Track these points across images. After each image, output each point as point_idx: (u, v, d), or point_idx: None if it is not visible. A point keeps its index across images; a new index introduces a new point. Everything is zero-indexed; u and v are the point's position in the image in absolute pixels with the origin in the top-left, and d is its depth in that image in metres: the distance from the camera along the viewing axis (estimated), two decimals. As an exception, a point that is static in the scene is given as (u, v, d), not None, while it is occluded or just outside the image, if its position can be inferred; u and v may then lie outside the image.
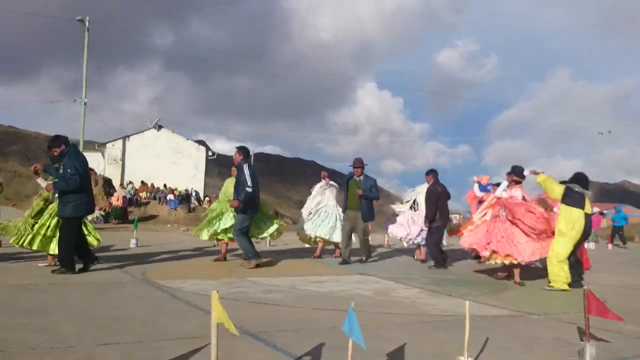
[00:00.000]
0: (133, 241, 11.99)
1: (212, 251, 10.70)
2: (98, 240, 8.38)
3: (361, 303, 5.72)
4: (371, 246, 14.50)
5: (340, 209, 10.65)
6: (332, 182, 10.90)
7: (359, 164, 10.05)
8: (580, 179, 8.06)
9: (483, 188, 10.08)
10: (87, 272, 7.42)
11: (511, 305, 6.23)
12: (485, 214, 8.60)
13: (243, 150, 9.09)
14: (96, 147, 35.93)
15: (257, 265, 8.59)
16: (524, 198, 8.29)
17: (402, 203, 12.00)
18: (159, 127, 35.63)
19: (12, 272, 7.41)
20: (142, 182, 31.26)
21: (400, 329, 4.70)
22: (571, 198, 7.79)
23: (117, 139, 34.99)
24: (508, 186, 8.37)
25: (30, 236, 7.76)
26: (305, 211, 11.06)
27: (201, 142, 41.41)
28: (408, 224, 11.17)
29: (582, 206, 7.79)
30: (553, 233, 8.02)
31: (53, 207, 7.74)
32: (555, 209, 8.69)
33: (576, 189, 7.80)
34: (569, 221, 7.72)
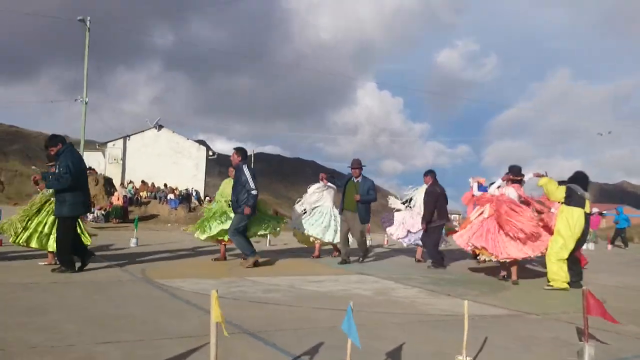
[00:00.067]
0: (133, 240, 12.01)
1: (212, 250, 10.71)
2: (88, 240, 8.38)
3: (360, 303, 5.74)
4: (370, 247, 14.55)
5: (336, 210, 10.68)
6: (329, 184, 10.90)
7: (357, 165, 10.07)
8: (580, 178, 8.08)
9: (483, 189, 10.08)
10: (86, 269, 7.45)
11: (510, 304, 6.24)
12: (482, 212, 8.66)
13: (241, 151, 9.08)
14: (97, 147, 36.03)
15: (255, 264, 8.60)
16: (521, 197, 8.33)
17: (400, 199, 12.06)
18: (160, 127, 35.72)
19: (14, 270, 7.42)
20: (143, 181, 31.32)
21: (399, 329, 4.72)
22: (572, 198, 7.81)
23: (118, 139, 35.08)
24: (504, 185, 8.45)
25: (27, 234, 7.80)
26: (299, 207, 11.05)
27: (202, 142, 41.49)
28: (404, 224, 11.26)
29: (582, 206, 7.81)
30: (550, 232, 8.05)
31: (50, 205, 7.77)
32: (553, 210, 8.71)
33: (579, 192, 7.83)
34: (570, 221, 7.73)
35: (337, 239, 10.53)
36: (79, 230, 8.04)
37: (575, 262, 8.05)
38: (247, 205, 8.62)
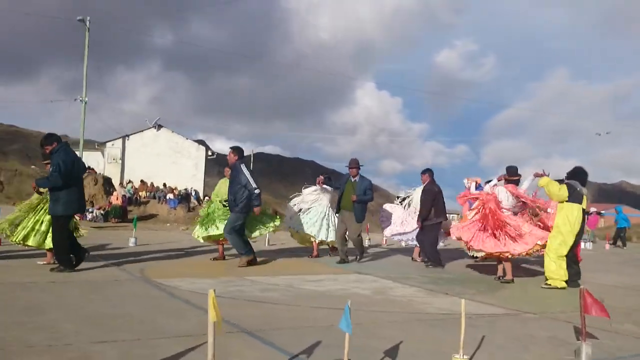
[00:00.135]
0: (132, 240, 12.01)
1: (210, 250, 10.71)
2: (84, 231, 8.40)
3: (358, 302, 5.75)
4: (369, 246, 14.56)
5: (331, 210, 10.68)
6: (325, 186, 10.88)
7: (354, 164, 10.09)
8: (579, 173, 8.09)
9: (480, 189, 10.12)
10: (85, 268, 7.45)
11: (508, 303, 6.25)
12: (478, 210, 8.72)
13: (238, 151, 9.04)
14: (96, 146, 36.00)
15: (250, 263, 8.60)
16: (513, 196, 8.37)
17: (397, 198, 12.11)
18: (159, 127, 35.70)
19: (13, 269, 7.42)
20: (142, 181, 31.30)
21: (396, 327, 4.72)
22: (571, 195, 7.82)
23: (117, 138, 35.05)
24: (499, 184, 8.55)
25: (24, 232, 7.82)
26: (294, 206, 11.02)
27: (201, 142, 41.49)
28: (402, 223, 11.29)
29: (580, 201, 7.84)
30: (546, 229, 8.09)
31: (47, 203, 7.78)
32: (549, 210, 8.73)
33: (578, 188, 7.84)
34: (570, 217, 7.75)
35: (331, 237, 10.55)
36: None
37: (574, 260, 8.05)
38: (255, 206, 8.70)
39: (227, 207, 9.14)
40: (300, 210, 10.89)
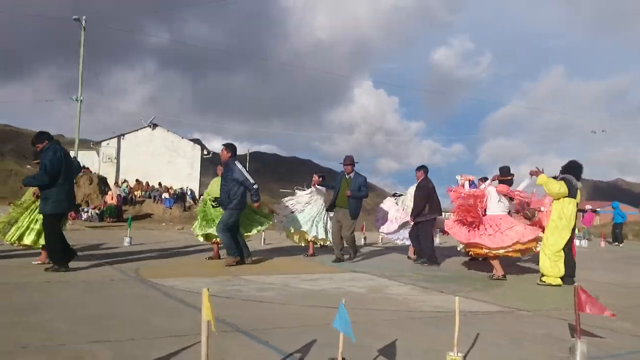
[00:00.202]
0: (127, 239, 11.98)
1: (206, 249, 10.70)
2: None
3: (353, 300, 5.75)
4: (365, 245, 14.57)
5: (324, 210, 10.68)
6: (319, 187, 10.87)
7: (349, 161, 10.09)
8: (574, 167, 8.12)
9: (474, 186, 10.20)
10: (79, 268, 7.45)
11: (502, 301, 6.27)
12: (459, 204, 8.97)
13: (230, 147, 8.98)
14: (91, 146, 35.94)
15: (238, 263, 8.60)
16: (505, 196, 8.42)
17: (393, 196, 12.17)
18: (154, 126, 35.65)
19: (9, 269, 7.41)
20: (137, 180, 31.22)
21: (391, 325, 4.72)
22: (568, 190, 7.84)
23: (112, 138, 34.99)
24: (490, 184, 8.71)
25: (19, 232, 7.83)
26: (288, 203, 11.00)
27: (197, 141, 41.45)
28: (395, 220, 11.35)
29: (575, 196, 7.87)
30: (540, 226, 8.16)
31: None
32: (542, 209, 8.78)
33: (573, 182, 7.87)
34: (565, 211, 7.77)
35: (321, 235, 10.56)
36: None
37: (569, 258, 8.06)
38: (254, 202, 8.86)
39: (218, 206, 9.14)
40: (294, 209, 10.87)
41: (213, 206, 9.35)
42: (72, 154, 28.47)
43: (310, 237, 10.62)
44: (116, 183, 30.55)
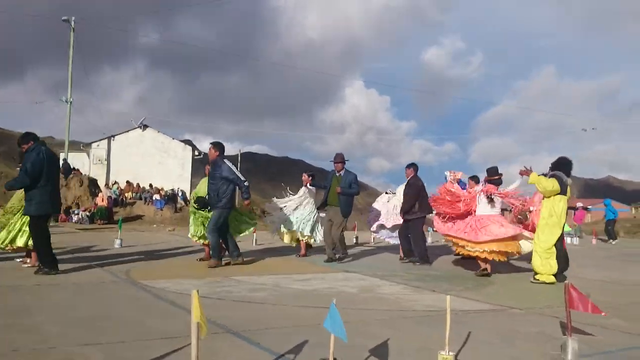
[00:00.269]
0: (117, 241, 11.92)
1: (196, 251, 10.67)
2: None
3: (345, 300, 5.75)
4: (356, 244, 14.57)
5: (315, 210, 10.67)
6: (310, 187, 10.84)
7: (339, 159, 10.09)
8: (563, 164, 8.13)
9: (463, 185, 10.29)
10: (70, 271, 7.41)
11: (494, 299, 6.28)
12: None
13: (218, 146, 8.88)
14: (81, 147, 35.74)
15: (216, 266, 8.55)
16: (491, 194, 8.49)
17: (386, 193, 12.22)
18: (145, 127, 35.50)
19: (5, 272, 7.40)
20: (128, 182, 31.07)
21: (383, 325, 4.72)
22: (560, 187, 7.87)
23: (102, 139, 34.81)
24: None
25: (11, 235, 7.78)
26: (280, 204, 10.98)
27: (187, 142, 41.32)
28: (386, 219, 11.41)
29: (565, 193, 7.90)
30: (533, 227, 8.20)
31: None
32: (532, 208, 8.82)
33: (564, 179, 7.90)
34: (556, 208, 7.80)
35: (307, 232, 10.56)
36: None
37: (562, 254, 8.07)
38: (245, 199, 8.85)
39: (199, 208, 9.13)
40: (285, 210, 10.85)
41: (195, 208, 9.32)
42: (62, 155, 28.39)
43: (297, 235, 10.62)
44: (107, 185, 30.40)
